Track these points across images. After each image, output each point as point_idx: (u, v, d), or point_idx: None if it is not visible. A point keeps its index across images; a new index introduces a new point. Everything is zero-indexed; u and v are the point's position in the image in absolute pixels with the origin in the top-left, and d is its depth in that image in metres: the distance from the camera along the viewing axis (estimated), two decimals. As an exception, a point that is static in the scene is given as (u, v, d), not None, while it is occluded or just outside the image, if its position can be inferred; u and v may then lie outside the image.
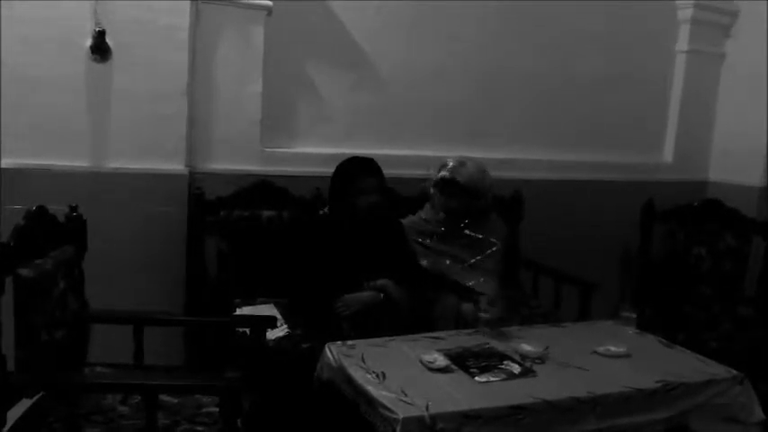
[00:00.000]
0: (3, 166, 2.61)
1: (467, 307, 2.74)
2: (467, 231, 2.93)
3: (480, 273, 2.88)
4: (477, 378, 2.04)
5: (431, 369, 2.07)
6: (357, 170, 2.60)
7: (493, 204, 3.05)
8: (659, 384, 2.10)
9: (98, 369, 2.18)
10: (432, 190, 2.93)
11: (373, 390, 1.92)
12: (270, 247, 2.92)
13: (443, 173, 2.87)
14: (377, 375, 2.00)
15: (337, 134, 3.32)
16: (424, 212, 2.99)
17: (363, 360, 2.11)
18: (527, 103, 3.73)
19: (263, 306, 2.75)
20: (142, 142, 2.80)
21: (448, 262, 2.89)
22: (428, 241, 2.92)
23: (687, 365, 2.27)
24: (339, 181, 2.63)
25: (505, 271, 3.05)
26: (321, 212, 2.79)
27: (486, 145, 3.58)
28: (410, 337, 2.35)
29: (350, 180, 2.59)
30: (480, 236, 2.93)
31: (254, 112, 3.05)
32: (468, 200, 2.87)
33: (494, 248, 2.93)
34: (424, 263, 2.85)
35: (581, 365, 2.19)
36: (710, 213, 3.61)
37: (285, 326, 2.55)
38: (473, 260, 2.90)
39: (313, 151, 3.25)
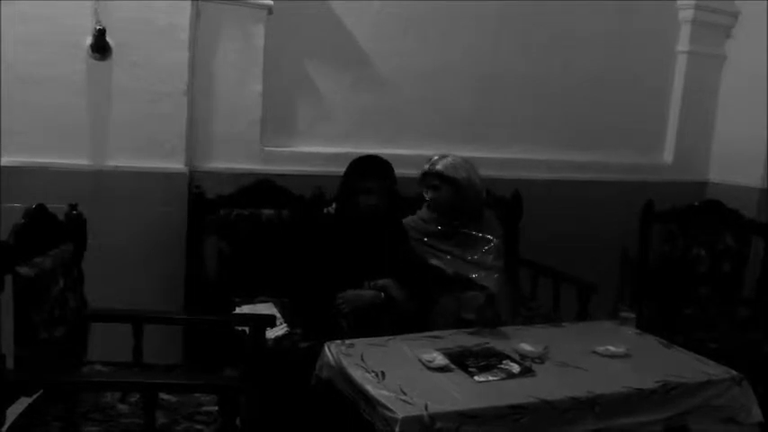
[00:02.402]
0: (2, 164, 2.61)
1: (471, 295, 2.74)
2: (463, 230, 2.93)
3: (480, 268, 2.88)
4: (476, 377, 2.04)
5: (430, 368, 2.07)
6: (364, 170, 2.60)
7: (487, 203, 3.04)
8: (658, 384, 2.10)
9: (97, 367, 2.19)
10: (424, 191, 2.94)
11: (372, 389, 1.92)
12: (270, 246, 2.93)
13: (425, 167, 2.89)
14: (376, 374, 2.00)
15: (337, 133, 3.32)
16: (422, 212, 2.99)
17: (362, 359, 2.11)
18: (527, 103, 3.72)
19: (263, 305, 2.74)
20: (142, 141, 2.80)
21: (449, 257, 2.89)
22: (426, 240, 2.92)
23: (686, 366, 2.27)
24: (346, 178, 2.64)
25: (506, 267, 3.04)
26: (326, 210, 2.79)
27: (486, 145, 3.59)
28: (410, 336, 2.35)
29: (355, 179, 2.60)
30: (475, 232, 2.93)
31: (255, 112, 3.05)
32: (450, 190, 2.84)
33: (490, 245, 2.93)
34: (433, 261, 2.85)
35: (580, 365, 2.20)
36: (710, 214, 3.60)
37: (284, 325, 2.55)
38: (470, 258, 2.90)
39: (313, 150, 3.25)
